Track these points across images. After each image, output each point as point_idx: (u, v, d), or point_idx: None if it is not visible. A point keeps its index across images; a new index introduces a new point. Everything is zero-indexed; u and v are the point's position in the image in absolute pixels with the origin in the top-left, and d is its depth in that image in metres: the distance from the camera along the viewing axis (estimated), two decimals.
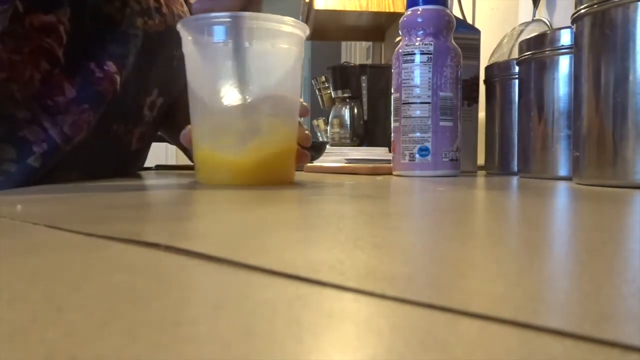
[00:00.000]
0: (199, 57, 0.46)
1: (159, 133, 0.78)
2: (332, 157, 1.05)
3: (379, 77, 1.52)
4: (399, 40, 0.72)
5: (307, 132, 0.53)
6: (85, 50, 0.56)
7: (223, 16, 0.43)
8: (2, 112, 0.51)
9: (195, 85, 0.46)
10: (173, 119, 0.73)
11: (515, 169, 0.74)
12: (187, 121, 0.51)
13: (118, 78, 0.58)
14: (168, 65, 0.66)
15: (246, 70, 0.44)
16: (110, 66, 0.58)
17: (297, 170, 0.78)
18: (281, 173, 0.47)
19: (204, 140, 0.46)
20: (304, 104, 0.53)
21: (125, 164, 0.69)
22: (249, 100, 0.44)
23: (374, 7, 1.82)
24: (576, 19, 0.49)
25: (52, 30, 0.53)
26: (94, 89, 0.57)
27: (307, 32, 0.47)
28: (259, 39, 0.44)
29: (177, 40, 0.48)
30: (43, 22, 0.52)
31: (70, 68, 0.55)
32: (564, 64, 0.60)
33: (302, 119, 0.49)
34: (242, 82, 0.44)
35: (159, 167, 0.96)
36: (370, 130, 1.54)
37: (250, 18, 0.43)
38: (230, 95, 0.44)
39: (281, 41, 0.45)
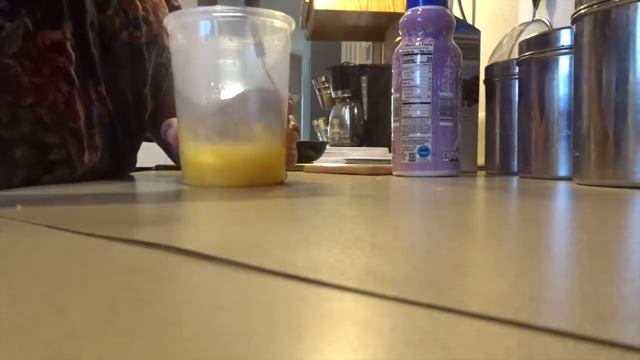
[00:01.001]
0: (186, 54, 0.45)
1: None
2: (332, 157, 1.05)
3: (379, 77, 1.52)
4: (399, 40, 0.72)
5: (293, 124, 0.48)
6: (88, 69, 0.55)
7: (208, 10, 0.42)
8: (33, 137, 0.50)
9: (181, 83, 0.45)
10: (156, 119, 0.70)
11: (516, 169, 0.74)
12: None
13: (108, 99, 0.58)
14: (157, 72, 0.66)
15: (241, 67, 0.44)
16: (103, 87, 0.57)
17: (297, 171, 0.78)
18: (270, 172, 0.45)
19: (191, 140, 0.44)
20: (290, 101, 0.49)
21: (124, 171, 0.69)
22: (234, 97, 0.43)
23: (374, 7, 1.82)
24: (576, 19, 0.49)
25: (62, 49, 0.52)
26: (95, 112, 0.56)
27: (293, 25, 0.46)
28: (253, 34, 0.43)
29: (163, 47, 0.46)
30: (52, 40, 0.51)
31: (81, 88, 0.54)
32: (564, 64, 0.60)
33: (294, 116, 0.47)
34: (232, 80, 0.44)
35: (159, 167, 0.96)
36: (370, 130, 1.54)
37: (248, 13, 0.42)
38: (217, 92, 0.43)
39: (271, 36, 0.44)
